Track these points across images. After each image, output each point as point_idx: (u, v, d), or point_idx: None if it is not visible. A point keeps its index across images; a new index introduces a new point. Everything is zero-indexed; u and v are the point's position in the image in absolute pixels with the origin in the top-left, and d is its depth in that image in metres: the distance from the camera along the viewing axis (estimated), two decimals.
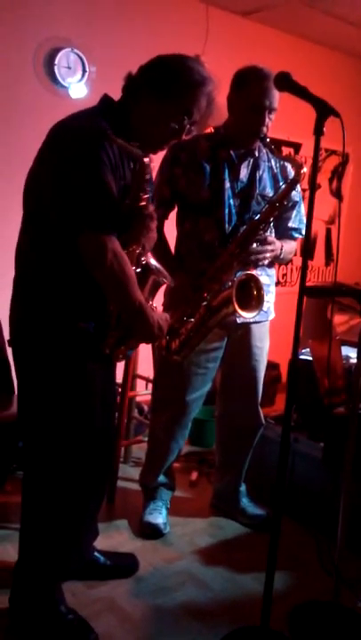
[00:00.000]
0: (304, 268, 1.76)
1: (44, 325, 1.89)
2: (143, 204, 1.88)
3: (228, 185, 2.46)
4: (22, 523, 2.07)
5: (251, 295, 2.37)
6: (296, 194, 2.61)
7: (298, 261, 4.75)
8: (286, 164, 2.56)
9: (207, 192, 2.46)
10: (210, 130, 2.56)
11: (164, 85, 1.87)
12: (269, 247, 2.42)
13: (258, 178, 2.51)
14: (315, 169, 1.73)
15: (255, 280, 2.37)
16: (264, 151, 2.53)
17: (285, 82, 1.77)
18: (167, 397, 2.71)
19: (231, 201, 2.47)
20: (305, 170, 2.38)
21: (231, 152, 2.47)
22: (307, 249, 1.82)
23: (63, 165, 1.76)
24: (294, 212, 2.65)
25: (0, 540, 2.55)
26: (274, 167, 2.57)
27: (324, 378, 2.90)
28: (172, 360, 2.47)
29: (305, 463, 2.89)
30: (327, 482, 2.72)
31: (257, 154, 2.52)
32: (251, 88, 2.35)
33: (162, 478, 2.86)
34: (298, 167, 2.40)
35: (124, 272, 1.80)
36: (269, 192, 2.52)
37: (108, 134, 1.75)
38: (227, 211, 2.46)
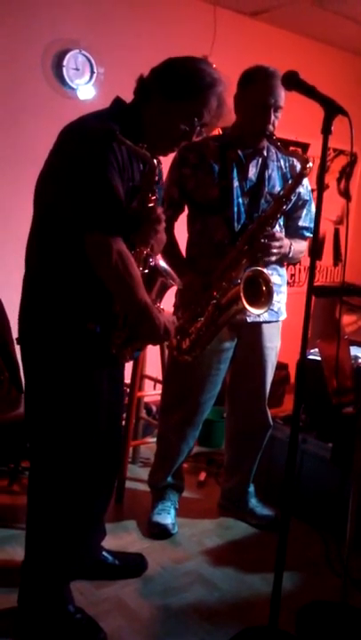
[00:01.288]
0: (312, 268, 1.76)
1: (53, 325, 1.90)
2: (151, 205, 1.88)
3: (236, 184, 2.46)
4: (28, 523, 2.08)
5: (260, 291, 2.37)
6: (306, 192, 2.62)
7: (306, 261, 4.75)
8: (296, 163, 2.56)
9: (216, 191, 2.47)
10: (218, 131, 2.57)
11: (176, 88, 1.88)
12: (277, 243, 2.42)
13: (267, 177, 2.51)
14: (323, 168, 1.73)
15: (263, 275, 2.37)
16: (273, 151, 2.54)
17: (293, 81, 1.77)
18: (179, 398, 2.70)
19: (240, 199, 2.47)
20: (310, 164, 2.38)
21: (239, 152, 2.47)
22: (315, 249, 1.82)
23: (71, 166, 1.78)
24: (304, 211, 2.65)
25: (9, 540, 2.56)
26: (283, 167, 2.57)
27: (332, 378, 2.89)
28: (183, 360, 2.48)
29: (313, 463, 2.88)
30: (336, 482, 2.71)
31: (266, 153, 2.52)
32: (256, 86, 2.36)
33: (170, 479, 2.85)
34: (304, 162, 2.40)
35: (128, 272, 1.80)
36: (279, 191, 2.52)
37: (117, 135, 1.75)
38: (236, 209, 2.46)
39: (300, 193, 2.57)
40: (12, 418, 2.75)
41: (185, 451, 2.80)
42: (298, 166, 2.53)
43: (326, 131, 1.71)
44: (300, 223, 2.66)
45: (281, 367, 4.11)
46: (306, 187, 2.61)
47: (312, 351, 3.05)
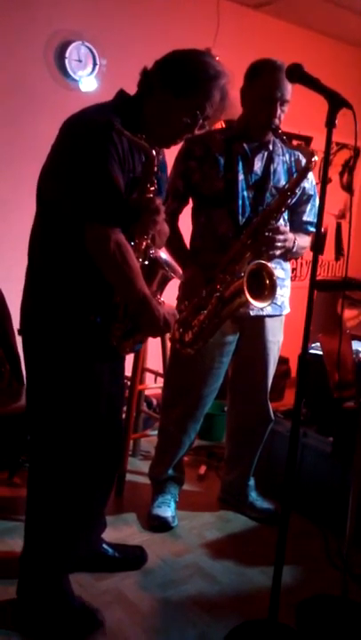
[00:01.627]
0: (314, 263, 1.75)
1: (54, 317, 1.90)
2: (150, 196, 1.88)
3: (241, 177, 2.46)
4: (27, 514, 2.08)
5: (263, 284, 2.36)
6: (311, 187, 2.61)
7: (308, 256, 4.75)
8: (300, 157, 2.55)
9: (221, 184, 2.46)
10: (221, 124, 2.56)
11: (179, 81, 1.87)
12: (281, 237, 2.42)
13: (272, 170, 2.50)
14: (326, 161, 1.72)
15: (266, 268, 2.36)
16: (279, 144, 2.53)
17: (297, 73, 1.76)
18: (180, 392, 2.70)
19: (245, 193, 2.47)
20: (316, 158, 2.37)
21: (245, 145, 2.47)
22: (317, 243, 1.82)
23: (71, 158, 1.78)
24: (309, 206, 2.64)
25: (9, 531, 2.57)
26: (288, 161, 2.56)
27: (334, 372, 2.89)
28: (185, 352, 2.47)
29: (314, 457, 2.89)
30: (336, 476, 2.72)
31: (271, 147, 2.52)
32: (262, 79, 2.35)
33: (171, 472, 2.86)
34: (309, 155, 2.39)
35: (127, 263, 1.81)
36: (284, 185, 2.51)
37: (117, 127, 1.76)
38: (240, 202, 2.46)
39: (304, 187, 2.56)
40: (14, 410, 2.75)
41: (186, 444, 2.80)
42: (303, 160, 2.52)
43: (330, 124, 1.70)
44: (305, 218, 2.65)
45: (282, 361, 4.11)
46: (311, 181, 2.60)
47: (313, 345, 3.05)
